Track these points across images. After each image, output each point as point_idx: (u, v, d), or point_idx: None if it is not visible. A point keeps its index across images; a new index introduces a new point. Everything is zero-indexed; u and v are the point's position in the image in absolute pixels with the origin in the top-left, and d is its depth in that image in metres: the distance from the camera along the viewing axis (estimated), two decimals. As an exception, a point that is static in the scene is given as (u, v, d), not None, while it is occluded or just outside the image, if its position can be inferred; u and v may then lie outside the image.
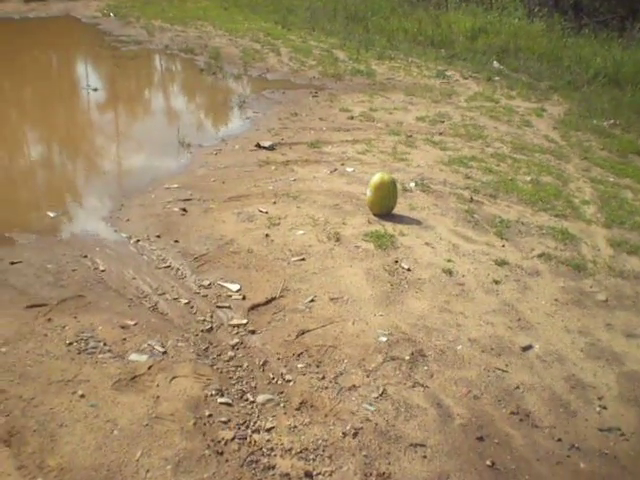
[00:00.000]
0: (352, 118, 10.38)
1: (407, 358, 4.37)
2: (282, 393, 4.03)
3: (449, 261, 5.69)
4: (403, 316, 4.86)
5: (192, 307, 4.96)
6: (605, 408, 4.09)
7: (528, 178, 7.93)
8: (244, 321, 4.77)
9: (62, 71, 14.25)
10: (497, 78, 14.38)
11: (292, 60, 15.13)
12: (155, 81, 14.67)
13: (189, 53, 15.60)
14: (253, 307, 4.96)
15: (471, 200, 7.06)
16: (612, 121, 11.17)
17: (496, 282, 5.42)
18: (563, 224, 6.68)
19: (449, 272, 5.50)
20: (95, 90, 12.04)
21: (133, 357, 4.30)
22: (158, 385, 3.99)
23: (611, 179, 8.39)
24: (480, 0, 21.22)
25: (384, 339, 4.55)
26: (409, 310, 4.94)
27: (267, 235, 6.04)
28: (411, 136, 9.41)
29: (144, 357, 4.31)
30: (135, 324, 4.64)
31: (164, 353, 4.33)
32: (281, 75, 13.79)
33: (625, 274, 5.81)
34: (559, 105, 12.42)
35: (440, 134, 9.72)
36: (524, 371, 4.35)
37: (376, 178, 6.49)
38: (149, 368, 4.16)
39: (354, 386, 4.09)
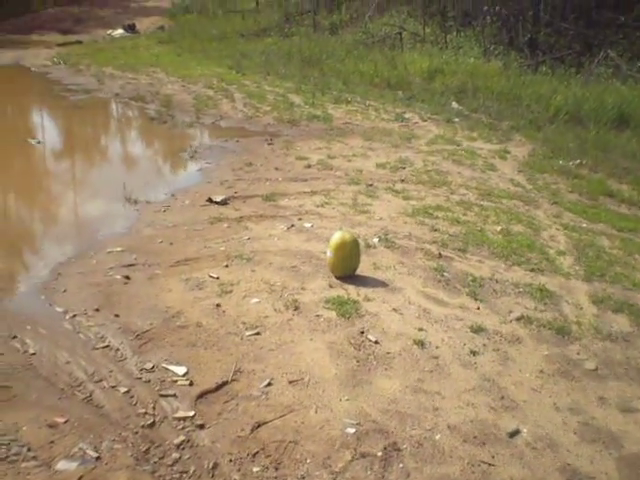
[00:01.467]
0: (309, 167, 9.87)
1: (379, 454, 3.78)
2: (234, 507, 3.42)
3: (420, 330, 5.12)
4: (372, 400, 4.28)
5: (132, 397, 4.35)
6: (608, 506, 3.54)
7: (498, 228, 7.45)
8: (191, 413, 4.16)
9: (3, 123, 13.56)
10: (457, 119, 14.03)
11: (246, 106, 14.66)
12: (103, 132, 14.09)
13: (140, 101, 15.10)
14: (202, 394, 4.36)
15: (439, 256, 6.54)
16: (578, 161, 10.81)
17: (474, 353, 4.87)
18: (540, 280, 6.18)
19: (421, 343, 4.93)
20: (38, 143, 11.40)
21: (61, 466, 3.67)
22: (87, 504, 3.37)
23: (584, 225, 7.95)
24: (435, 40, 21.05)
25: (352, 430, 3.97)
26: (379, 392, 4.36)
27: (218, 305, 5.45)
28: (372, 185, 8.92)
29: (74, 465, 3.68)
30: (65, 422, 4.01)
31: (97, 459, 3.70)
32: (235, 122, 13.31)
33: (613, 336, 5.29)
34: (522, 146, 12.05)
35: (402, 181, 9.24)
36: (513, 463, 3.79)
37: (336, 237, 5.94)
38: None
39: (319, 494, 3.49)
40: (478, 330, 5.17)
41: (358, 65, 18.91)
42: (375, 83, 17.54)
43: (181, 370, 4.61)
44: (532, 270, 6.41)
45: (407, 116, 14.21)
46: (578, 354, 5.01)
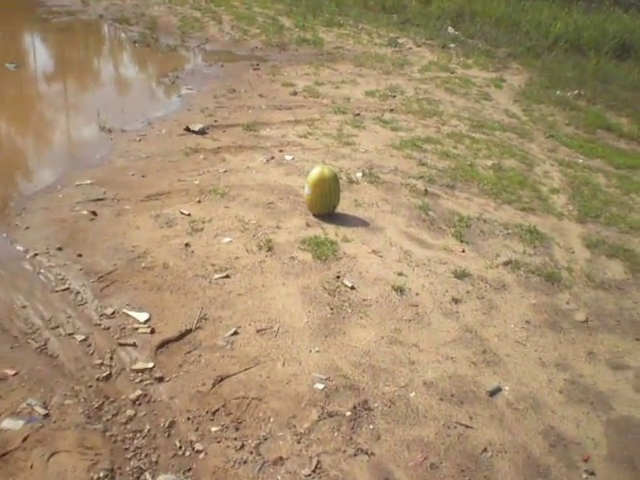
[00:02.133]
0: (295, 94, 9.42)
1: (348, 414, 3.50)
2: (189, 471, 3.15)
3: (400, 275, 4.80)
4: (345, 352, 3.99)
5: (89, 345, 4.04)
6: (593, 474, 3.28)
7: (489, 163, 7.08)
8: (150, 364, 3.87)
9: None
10: (452, 45, 13.50)
11: (234, 29, 14.06)
12: (82, 56, 13.47)
13: (124, 23, 14.49)
14: (163, 344, 4.06)
15: (426, 193, 6.19)
16: (576, 91, 10.38)
17: (456, 301, 4.56)
18: (531, 220, 5.84)
19: (400, 290, 4.61)
20: (15, 67, 10.85)
21: (6, 424, 3.39)
22: (32, 466, 3.10)
23: (580, 160, 7.58)
24: (434, -39, 20.22)
25: (321, 386, 3.68)
26: (352, 343, 4.07)
27: (187, 245, 5.12)
28: (359, 114, 8.50)
29: (20, 423, 3.39)
30: (15, 374, 3.72)
31: (46, 416, 3.42)
32: (221, 45, 12.76)
33: (606, 284, 4.99)
34: (519, 74, 11.58)
35: (391, 111, 8.81)
36: (492, 425, 3.52)
37: (315, 173, 5.55)
38: (24, 440, 3.27)
39: (280, 458, 3.22)
40: (462, 275, 4.86)
41: (352, -14, 18.15)
42: (369, 6, 16.90)
43: (143, 316, 4.31)
44: (523, 209, 6.08)
45: (401, 41, 13.66)
46: (568, 304, 4.71)
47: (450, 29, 14.82)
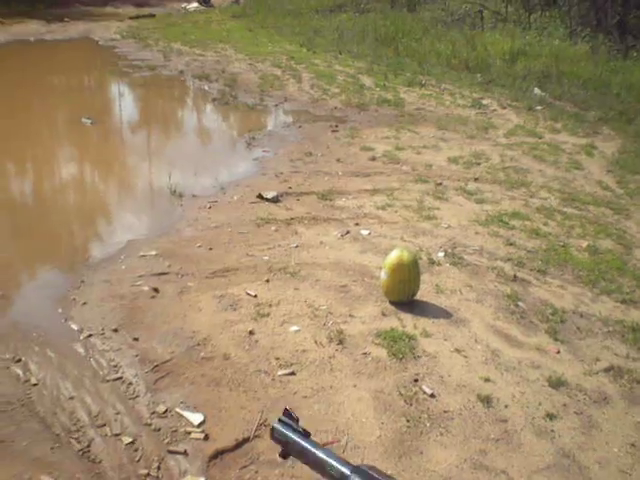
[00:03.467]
0: (374, 159, 9.01)
1: None
2: None
3: (487, 380, 4.25)
4: (421, 477, 3.46)
5: (136, 450, 3.67)
6: None
7: (584, 243, 6.47)
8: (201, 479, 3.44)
9: (60, 101, 13.01)
10: (539, 107, 12.90)
11: (313, 87, 13.82)
12: (158, 114, 13.44)
13: (204, 80, 14.45)
14: (216, 454, 3.64)
15: (514, 278, 5.63)
16: (676, 161, 9.66)
17: (551, 416, 3.97)
18: (633, 315, 5.20)
19: (487, 400, 4.06)
20: (92, 123, 10.80)
21: None
22: None
23: (685, 242, 6.90)
24: (517, 19, 19.79)
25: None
26: (430, 465, 3.54)
27: (251, 332, 4.70)
28: (441, 184, 8.01)
29: None
30: (51, 483, 3.34)
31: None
32: (300, 105, 12.49)
33: None
34: (611, 140, 10.90)
35: (476, 180, 8.29)
36: None
37: (393, 257, 5.05)
38: None
39: None
40: (557, 384, 4.27)
41: (435, 45, 17.81)
42: (452, 65, 16.46)
43: (197, 418, 3.90)
44: (623, 301, 5.43)
45: (485, 102, 13.14)
46: (680, 423, 4.08)
47: (536, 90, 14.24)
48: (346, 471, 1.26)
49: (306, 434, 1.37)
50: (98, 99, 13.79)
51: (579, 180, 8.74)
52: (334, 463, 1.29)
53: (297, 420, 1.39)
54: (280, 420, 1.39)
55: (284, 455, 1.39)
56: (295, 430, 1.37)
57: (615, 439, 3.86)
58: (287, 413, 1.40)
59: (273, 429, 1.39)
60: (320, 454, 1.32)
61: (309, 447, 1.34)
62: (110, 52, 18.21)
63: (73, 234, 6.93)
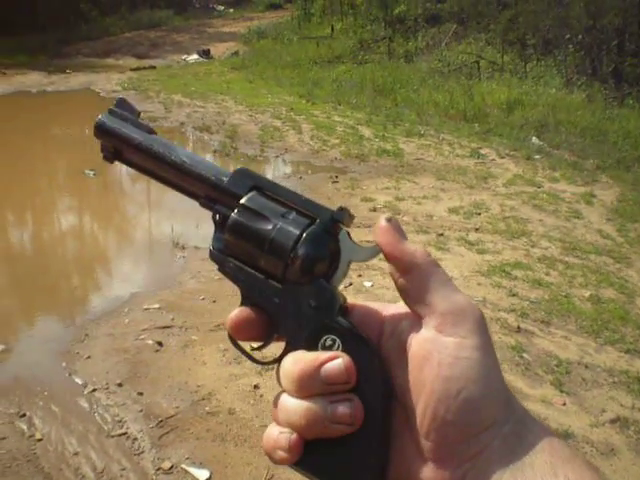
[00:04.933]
0: (374, 210, 9.05)
1: None
2: None
3: (494, 433, 4.24)
4: None
5: (142, 508, 3.61)
6: None
7: (586, 293, 6.49)
8: None
9: (63, 152, 13.14)
10: (537, 156, 13.03)
11: (313, 139, 13.95)
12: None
13: (205, 131, 14.58)
14: (223, 512, 3.59)
15: (518, 329, 5.64)
16: (674, 209, 9.73)
17: (559, 470, 3.95)
18: (638, 366, 5.21)
19: (494, 453, 4.04)
20: (94, 174, 10.88)
21: None
22: None
23: (687, 291, 6.92)
24: (514, 69, 20.08)
25: None
26: None
27: (256, 387, 4.70)
28: (442, 234, 8.05)
29: None
30: None
31: None
32: (300, 156, 12.60)
33: None
34: (609, 188, 10.99)
35: (476, 230, 8.34)
36: None
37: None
38: None
39: None
40: (565, 436, 4.25)
41: (433, 95, 18.04)
42: (450, 115, 16.66)
43: (203, 475, 3.88)
44: (627, 351, 5.44)
45: (483, 152, 13.27)
46: (690, 476, 4.06)
47: (534, 139, 14.41)
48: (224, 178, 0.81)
49: (151, 131, 0.89)
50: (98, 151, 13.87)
51: (579, 229, 8.80)
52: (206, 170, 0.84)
53: (138, 114, 0.92)
54: (111, 111, 0.91)
55: (111, 157, 0.93)
56: (135, 123, 0.89)
57: (624, 493, 3.84)
58: (122, 103, 0.94)
59: (98, 125, 0.89)
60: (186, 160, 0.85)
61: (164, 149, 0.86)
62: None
63: (77, 287, 6.94)
